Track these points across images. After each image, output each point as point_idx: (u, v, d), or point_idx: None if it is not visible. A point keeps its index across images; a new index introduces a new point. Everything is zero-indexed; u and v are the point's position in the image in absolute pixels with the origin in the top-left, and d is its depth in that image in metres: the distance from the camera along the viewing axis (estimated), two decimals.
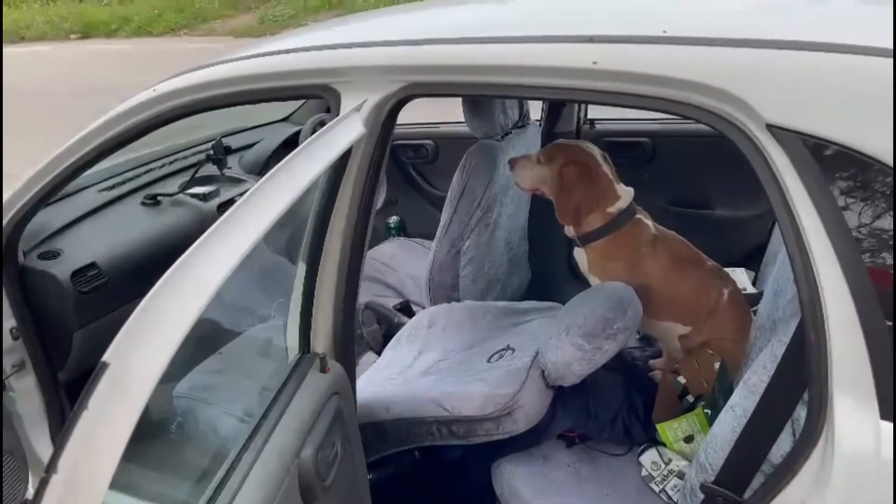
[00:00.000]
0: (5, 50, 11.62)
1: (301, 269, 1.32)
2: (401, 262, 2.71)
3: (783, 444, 1.00)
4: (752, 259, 2.29)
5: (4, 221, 1.65)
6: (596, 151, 1.86)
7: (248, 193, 0.87)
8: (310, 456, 1.14)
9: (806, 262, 0.90)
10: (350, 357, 1.44)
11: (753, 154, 0.95)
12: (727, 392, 1.51)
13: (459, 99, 2.17)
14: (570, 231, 1.88)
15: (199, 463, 1.37)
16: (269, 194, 0.90)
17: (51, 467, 0.68)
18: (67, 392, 1.90)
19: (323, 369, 1.31)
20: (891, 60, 0.86)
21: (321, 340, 1.37)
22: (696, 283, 1.82)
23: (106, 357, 0.69)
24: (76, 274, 1.86)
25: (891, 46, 0.87)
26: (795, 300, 1.04)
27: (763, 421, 1.03)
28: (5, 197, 1.65)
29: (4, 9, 13.41)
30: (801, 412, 0.96)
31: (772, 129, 0.92)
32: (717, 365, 1.70)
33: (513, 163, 1.96)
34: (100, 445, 0.69)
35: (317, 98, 1.37)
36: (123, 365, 0.69)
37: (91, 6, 13.07)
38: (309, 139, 1.02)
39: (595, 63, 1.04)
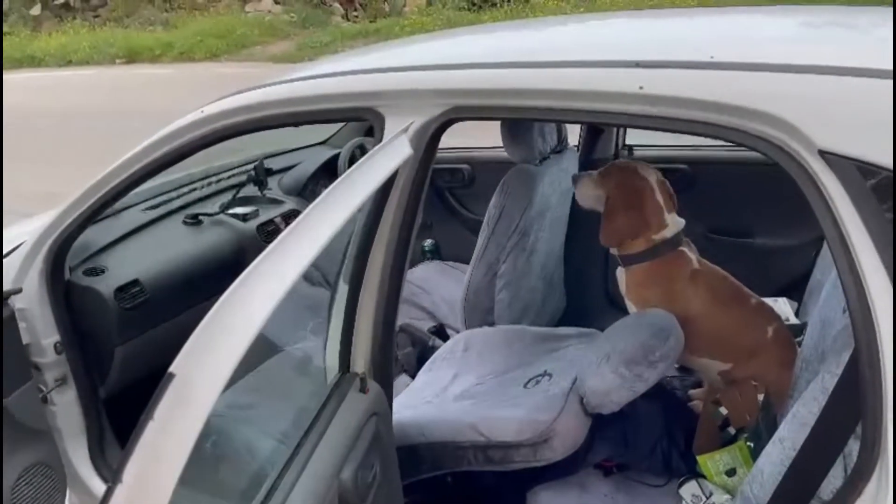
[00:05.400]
0: (53, 73, 12.05)
1: (343, 290, 1.33)
2: (435, 286, 2.71)
3: (834, 480, 0.97)
4: (795, 289, 2.24)
5: (53, 237, 1.69)
6: (652, 177, 1.82)
7: (308, 209, 0.89)
8: (350, 476, 1.14)
9: (861, 293, 0.87)
10: (388, 378, 1.44)
11: (805, 181, 0.93)
12: (770, 424, 1.47)
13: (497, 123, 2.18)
14: (613, 248, 1.87)
15: (238, 483, 1.37)
16: (324, 213, 0.91)
17: (116, 477, 0.68)
18: (106, 408, 1.93)
19: (363, 389, 1.31)
20: None
21: (360, 361, 1.37)
22: (736, 322, 1.77)
23: (173, 368, 0.70)
24: (119, 290, 1.90)
25: None
26: (845, 331, 1.01)
27: (813, 455, 1.00)
28: (53, 215, 1.70)
29: (53, 34, 13.88)
30: (853, 447, 0.93)
31: (825, 155, 0.90)
32: (760, 397, 1.66)
33: (575, 179, 1.97)
34: (164, 455, 0.70)
35: (360, 121, 1.39)
36: (189, 375, 0.70)
37: (136, 31, 13.47)
38: (358, 161, 1.03)
39: (641, 87, 1.04)
